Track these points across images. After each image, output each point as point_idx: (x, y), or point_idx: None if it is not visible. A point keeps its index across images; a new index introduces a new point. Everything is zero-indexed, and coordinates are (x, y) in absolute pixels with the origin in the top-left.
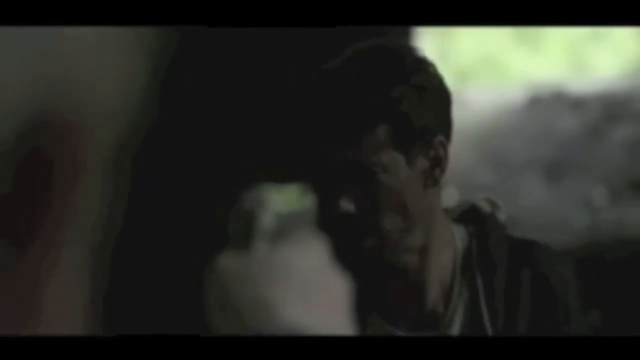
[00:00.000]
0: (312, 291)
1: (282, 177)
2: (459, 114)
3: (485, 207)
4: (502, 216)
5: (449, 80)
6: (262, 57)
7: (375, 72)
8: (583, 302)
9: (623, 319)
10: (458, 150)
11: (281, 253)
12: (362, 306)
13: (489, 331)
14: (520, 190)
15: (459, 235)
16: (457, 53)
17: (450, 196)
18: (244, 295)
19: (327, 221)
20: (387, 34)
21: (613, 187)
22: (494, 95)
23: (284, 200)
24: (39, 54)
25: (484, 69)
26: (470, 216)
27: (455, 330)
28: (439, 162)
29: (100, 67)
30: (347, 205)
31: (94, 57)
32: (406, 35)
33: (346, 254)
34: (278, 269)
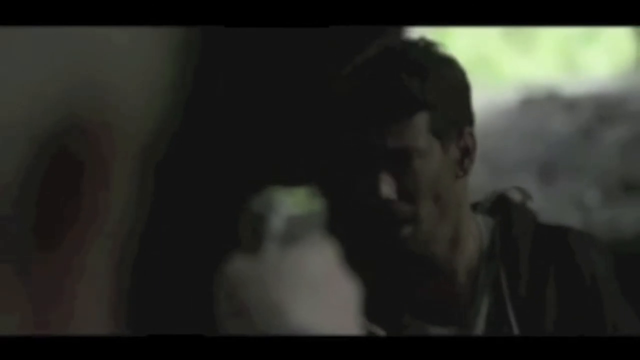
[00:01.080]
0: (322, 294)
1: (292, 180)
2: None
3: (515, 196)
4: (532, 205)
5: None
6: (275, 58)
7: (407, 66)
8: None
9: None
10: None
11: (291, 256)
12: (395, 306)
13: (513, 324)
14: None
15: (485, 227)
16: (450, 54)
17: None
18: (254, 299)
19: (366, 208)
20: (383, 34)
21: (606, 188)
22: (487, 96)
23: (293, 202)
24: (68, 54)
25: (476, 70)
26: (498, 206)
27: (480, 321)
28: (468, 153)
29: (129, 69)
30: (387, 190)
31: (122, 59)
32: (400, 35)
33: (382, 242)
34: (288, 272)
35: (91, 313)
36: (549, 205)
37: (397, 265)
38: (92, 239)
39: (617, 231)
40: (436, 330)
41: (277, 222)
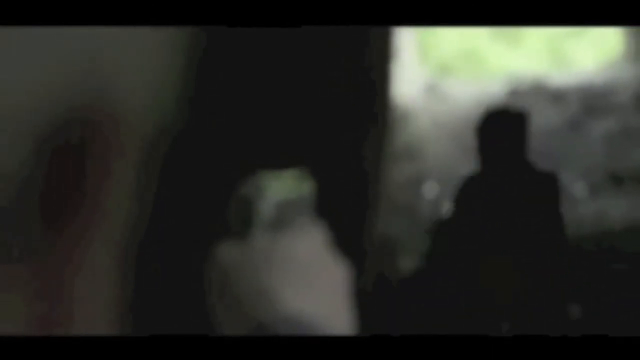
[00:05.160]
0: (311, 277)
1: (281, 164)
2: (439, 107)
3: None
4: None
5: (430, 74)
6: (272, 55)
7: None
8: (564, 295)
9: (603, 311)
10: (439, 143)
11: (280, 241)
12: None
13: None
14: None
15: None
16: (438, 46)
17: (430, 189)
18: (245, 283)
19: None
20: (370, 30)
21: (592, 180)
22: (474, 89)
23: (282, 187)
24: (77, 52)
25: (464, 62)
26: None
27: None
28: None
29: (135, 66)
30: None
31: (127, 55)
32: (387, 29)
33: None
34: (277, 256)
35: (92, 309)
36: None
37: None
38: (94, 231)
39: (603, 223)
40: None
41: (266, 208)
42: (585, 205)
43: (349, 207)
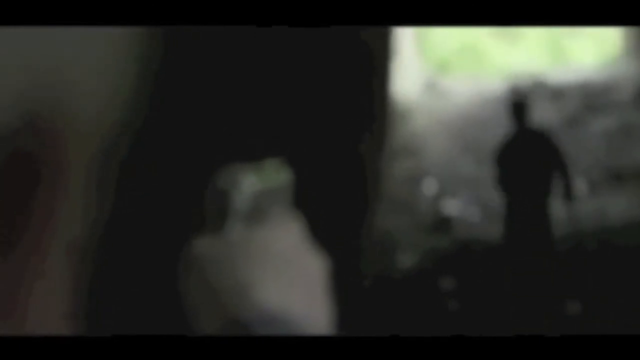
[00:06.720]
0: (289, 270)
1: (259, 154)
2: (438, 104)
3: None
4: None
5: (429, 71)
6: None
7: None
8: (564, 292)
9: (603, 309)
10: (438, 140)
11: (257, 233)
12: None
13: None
14: None
15: None
16: (437, 43)
17: (430, 186)
18: (221, 277)
19: None
20: (369, 28)
21: (592, 178)
22: (474, 86)
23: (258, 178)
24: (27, 54)
25: (463, 59)
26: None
27: None
28: None
29: (88, 68)
30: None
31: (81, 59)
32: (387, 27)
33: None
34: (254, 249)
35: (47, 315)
36: None
37: None
38: (49, 237)
39: (603, 220)
40: None
41: (241, 200)
42: (585, 203)
43: (348, 204)
